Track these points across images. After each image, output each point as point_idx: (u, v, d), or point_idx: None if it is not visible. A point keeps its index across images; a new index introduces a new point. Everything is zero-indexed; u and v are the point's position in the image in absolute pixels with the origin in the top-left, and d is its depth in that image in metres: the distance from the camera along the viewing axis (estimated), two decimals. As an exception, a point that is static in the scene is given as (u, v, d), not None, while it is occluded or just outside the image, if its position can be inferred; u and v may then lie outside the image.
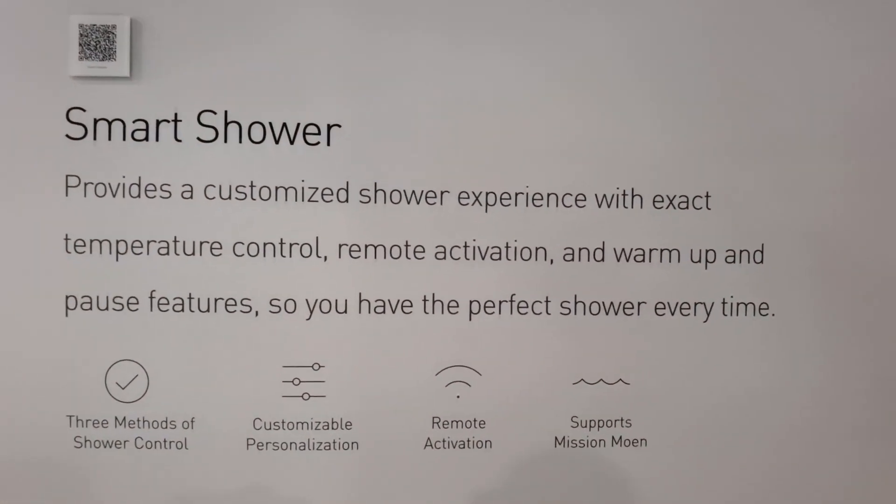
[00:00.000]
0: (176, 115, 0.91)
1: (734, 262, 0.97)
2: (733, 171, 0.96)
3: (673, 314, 0.96)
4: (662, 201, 0.95)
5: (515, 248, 0.94)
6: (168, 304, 0.91)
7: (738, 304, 0.97)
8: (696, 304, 0.96)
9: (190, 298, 0.91)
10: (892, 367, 0.99)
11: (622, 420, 0.97)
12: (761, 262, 0.97)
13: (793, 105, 0.97)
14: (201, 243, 0.91)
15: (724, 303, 0.97)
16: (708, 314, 0.97)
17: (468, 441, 0.95)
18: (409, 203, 0.93)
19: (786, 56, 0.97)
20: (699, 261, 0.96)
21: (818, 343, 0.98)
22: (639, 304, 0.96)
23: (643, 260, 0.95)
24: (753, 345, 0.97)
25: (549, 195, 0.94)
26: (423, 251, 0.93)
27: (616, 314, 0.96)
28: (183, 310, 0.91)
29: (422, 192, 0.93)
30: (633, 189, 0.95)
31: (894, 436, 1.00)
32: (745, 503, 0.98)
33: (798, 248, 0.97)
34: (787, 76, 0.97)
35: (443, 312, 0.94)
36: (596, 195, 0.95)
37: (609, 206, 0.95)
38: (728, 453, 0.98)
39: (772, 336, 0.97)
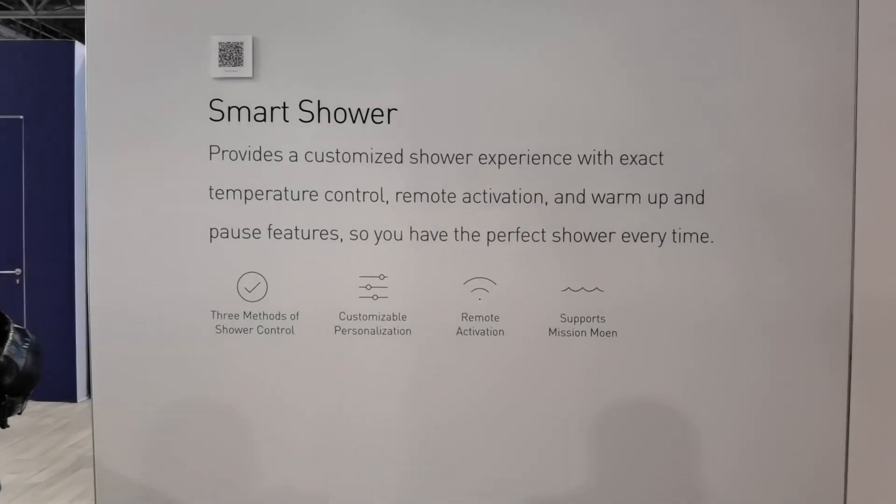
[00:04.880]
0: (284, 103, 1.32)
1: (682, 203, 1.31)
2: (681, 135, 1.30)
3: (636, 241, 1.32)
4: (627, 159, 1.31)
5: (520, 194, 1.32)
6: (281, 233, 1.32)
7: (684, 233, 1.31)
8: (652, 233, 1.32)
9: (296, 230, 1.32)
10: (799, 279, 1.31)
11: (598, 317, 1.33)
12: (703, 203, 1.31)
13: (731, 82, 1.29)
14: (303, 192, 1.32)
15: (674, 233, 1.31)
16: (662, 241, 1.32)
17: (487, 330, 1.33)
18: (444, 163, 1.32)
19: (728, 42, 1.29)
20: (655, 202, 1.31)
21: (744, 260, 1.31)
22: (610, 233, 1.32)
23: (613, 202, 1.31)
24: (696, 263, 1.31)
25: (544, 155, 1.31)
26: (455, 197, 1.32)
27: (594, 241, 1.32)
28: (292, 237, 1.32)
29: (453, 154, 1.31)
30: (605, 150, 1.31)
31: (810, 335, 1.32)
32: (688, 377, 1.33)
33: (731, 191, 1.30)
34: (727, 59, 1.29)
35: (469, 240, 1.32)
36: (578, 155, 1.31)
37: (588, 163, 1.31)
38: (677, 340, 1.32)
39: (710, 256, 1.31)
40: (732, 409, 1.34)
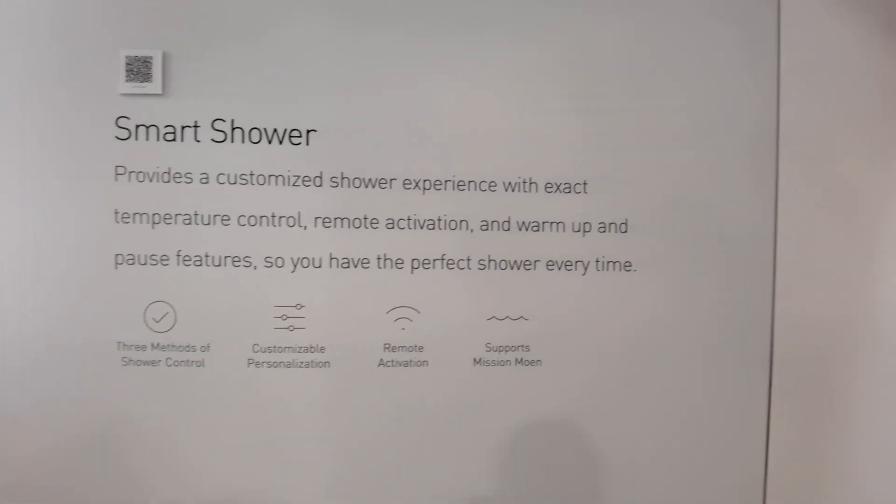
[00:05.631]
0: (196, 122, 1.25)
1: (605, 231, 1.31)
2: (605, 163, 1.30)
3: (560, 269, 1.31)
4: (552, 187, 1.30)
5: (445, 220, 1.29)
6: (191, 260, 1.25)
7: (608, 262, 1.31)
8: (576, 261, 1.31)
9: (207, 256, 1.25)
10: (720, 304, 1.33)
11: (523, 346, 1.31)
12: (626, 231, 1.31)
13: (655, 111, 1.30)
14: (214, 216, 1.25)
15: (597, 261, 1.31)
16: (585, 269, 1.31)
17: (410, 361, 1.29)
18: (367, 187, 1.27)
19: (654, 72, 1.30)
20: (579, 231, 1.31)
21: (666, 288, 1.32)
22: (535, 261, 1.30)
23: (538, 230, 1.30)
24: (619, 292, 1.31)
25: (469, 182, 1.29)
26: (378, 222, 1.27)
27: (518, 269, 1.30)
28: (202, 264, 1.25)
29: (376, 179, 1.27)
30: (530, 178, 1.29)
31: (732, 360, 1.35)
32: (612, 404, 1.33)
33: (653, 220, 1.31)
34: (653, 89, 1.30)
35: (392, 267, 1.28)
36: (503, 182, 1.29)
37: (513, 191, 1.29)
38: (600, 368, 1.32)
39: (633, 285, 1.31)
40: (658, 434, 1.34)
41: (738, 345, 1.35)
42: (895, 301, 1.40)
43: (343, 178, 1.27)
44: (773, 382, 1.37)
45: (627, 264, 1.32)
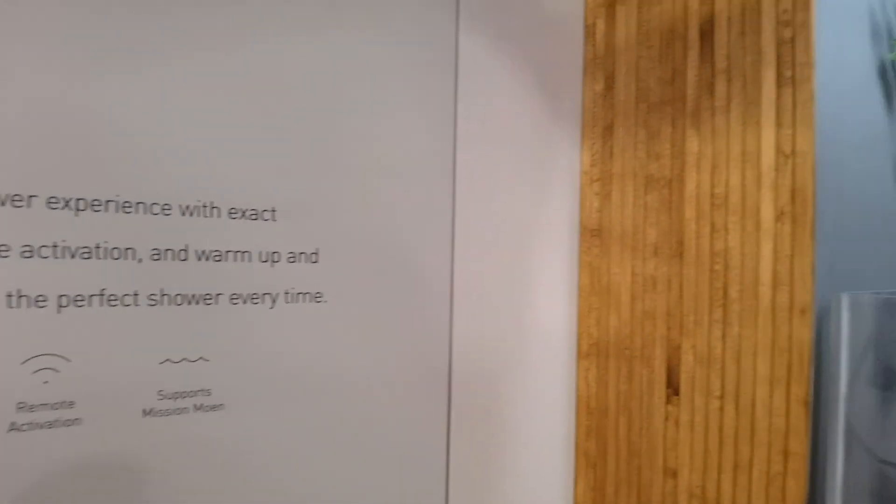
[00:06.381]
0: None
1: (295, 261, 1.25)
2: (296, 190, 1.25)
3: (245, 303, 1.20)
4: (237, 213, 1.19)
5: (106, 248, 1.08)
6: None
7: (298, 293, 1.25)
8: (264, 294, 1.22)
9: None
10: (406, 335, 1.38)
11: (203, 390, 1.17)
12: (316, 262, 1.27)
13: (349, 141, 1.30)
14: None
15: (286, 293, 1.24)
16: (274, 302, 1.23)
17: (56, 421, 1.05)
18: (-5, 206, 1.00)
19: (349, 101, 1.29)
20: (267, 261, 1.22)
21: (357, 319, 1.32)
22: (217, 295, 1.17)
23: (221, 260, 1.18)
24: (310, 323, 1.26)
25: (137, 203, 1.10)
26: (9, 250, 1.01)
27: (198, 304, 1.16)
28: None
29: (8, 195, 1.01)
30: (212, 202, 1.17)
31: (417, 382, 1.40)
32: (300, 446, 1.27)
33: (343, 250, 1.30)
34: (347, 118, 1.29)
35: (30, 307, 1.02)
36: (180, 205, 1.14)
37: (192, 216, 1.15)
38: (288, 407, 1.25)
39: (324, 316, 1.28)
40: (352, 463, 1.32)
41: (423, 368, 1.43)
42: (542, 324, 1.62)
43: (-41, 193, 0.98)
44: (452, 399, 1.47)
45: (318, 295, 1.27)
